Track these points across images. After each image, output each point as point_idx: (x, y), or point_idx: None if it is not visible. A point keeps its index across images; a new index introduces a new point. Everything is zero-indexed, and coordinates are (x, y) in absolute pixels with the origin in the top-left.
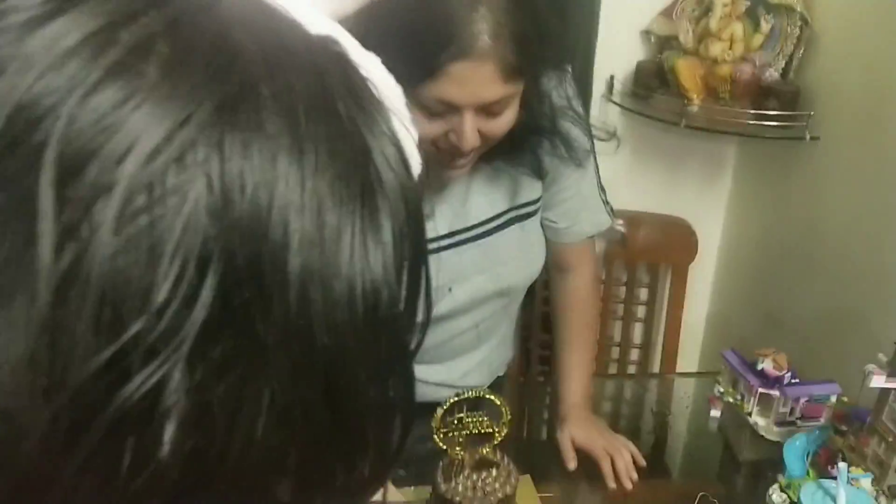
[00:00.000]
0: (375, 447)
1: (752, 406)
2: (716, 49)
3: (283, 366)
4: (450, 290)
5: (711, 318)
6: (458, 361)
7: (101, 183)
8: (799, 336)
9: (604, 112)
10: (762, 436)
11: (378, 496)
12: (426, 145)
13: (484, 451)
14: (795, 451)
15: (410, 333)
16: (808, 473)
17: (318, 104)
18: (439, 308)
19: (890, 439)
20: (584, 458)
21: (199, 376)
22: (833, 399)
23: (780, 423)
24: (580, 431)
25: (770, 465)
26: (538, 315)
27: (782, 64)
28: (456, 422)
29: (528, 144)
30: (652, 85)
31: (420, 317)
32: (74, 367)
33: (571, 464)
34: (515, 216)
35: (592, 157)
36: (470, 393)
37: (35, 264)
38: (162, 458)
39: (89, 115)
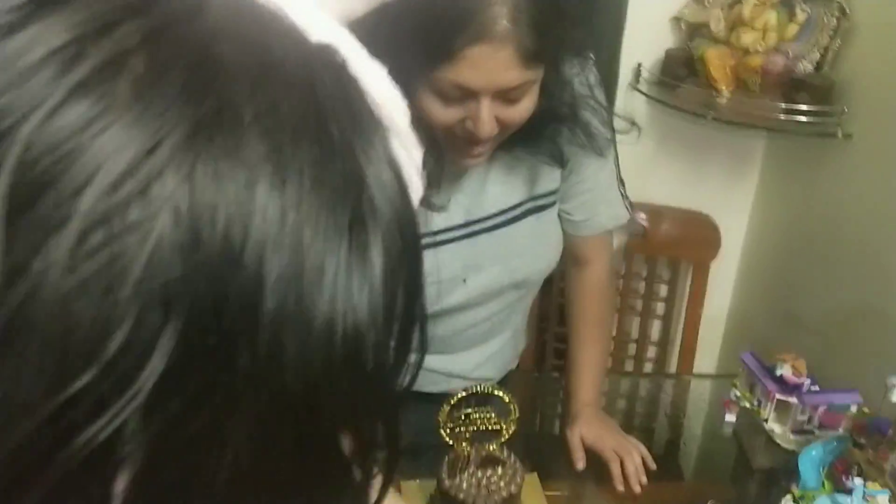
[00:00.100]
0: (353, 490)
1: (768, 412)
2: (748, 38)
3: (250, 415)
4: (464, 280)
5: (732, 316)
6: (471, 353)
7: (55, 216)
8: (821, 337)
9: (629, 101)
10: (777, 443)
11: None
12: (443, 132)
13: (490, 448)
14: (811, 462)
15: (399, 376)
16: (823, 486)
17: (308, 125)
18: (453, 299)
19: None
20: (594, 457)
21: (157, 427)
22: (853, 408)
23: (796, 432)
24: (590, 430)
25: (784, 473)
26: (555, 307)
27: (817, 56)
28: (463, 417)
29: (547, 132)
30: (680, 74)
31: (413, 356)
32: (17, 418)
33: (580, 463)
34: (532, 207)
35: (613, 148)
36: (478, 388)
37: None
38: None
39: (48, 140)
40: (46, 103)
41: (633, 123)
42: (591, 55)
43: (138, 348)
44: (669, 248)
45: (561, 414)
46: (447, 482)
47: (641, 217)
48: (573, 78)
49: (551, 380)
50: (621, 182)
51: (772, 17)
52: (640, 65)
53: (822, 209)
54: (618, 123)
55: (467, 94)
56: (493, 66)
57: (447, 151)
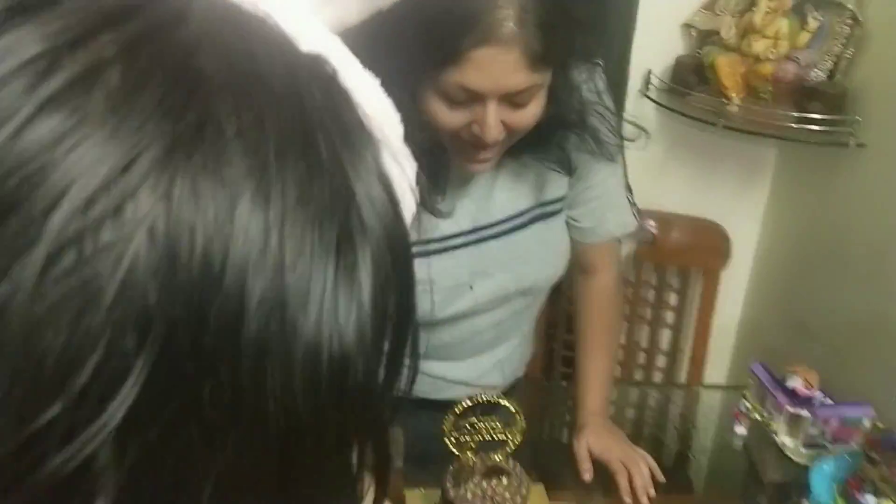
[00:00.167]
0: None
1: (779, 425)
2: (759, 46)
3: (231, 443)
4: (471, 287)
5: (743, 326)
6: (477, 360)
7: (23, 237)
8: (833, 349)
9: (639, 108)
10: (789, 457)
11: None
12: (449, 138)
13: (496, 458)
14: (823, 476)
15: (389, 401)
16: (835, 502)
17: (294, 140)
18: (459, 305)
19: None
20: (602, 468)
21: (131, 456)
22: (866, 423)
23: (808, 445)
24: (597, 441)
25: (795, 488)
26: (564, 314)
27: (829, 64)
28: (468, 426)
29: (555, 139)
30: (690, 81)
31: (405, 379)
32: None
33: (587, 475)
34: (540, 214)
35: (621, 155)
36: (484, 397)
37: None
38: None
39: (18, 156)
40: (16, 117)
41: (643, 129)
42: (600, 61)
43: (110, 376)
44: (679, 257)
45: (569, 423)
46: (451, 492)
47: (651, 225)
48: (581, 84)
49: (559, 388)
50: (629, 189)
51: (783, 24)
52: (649, 71)
53: (834, 219)
54: (627, 130)
55: (473, 98)
56: (499, 68)
57: (454, 157)
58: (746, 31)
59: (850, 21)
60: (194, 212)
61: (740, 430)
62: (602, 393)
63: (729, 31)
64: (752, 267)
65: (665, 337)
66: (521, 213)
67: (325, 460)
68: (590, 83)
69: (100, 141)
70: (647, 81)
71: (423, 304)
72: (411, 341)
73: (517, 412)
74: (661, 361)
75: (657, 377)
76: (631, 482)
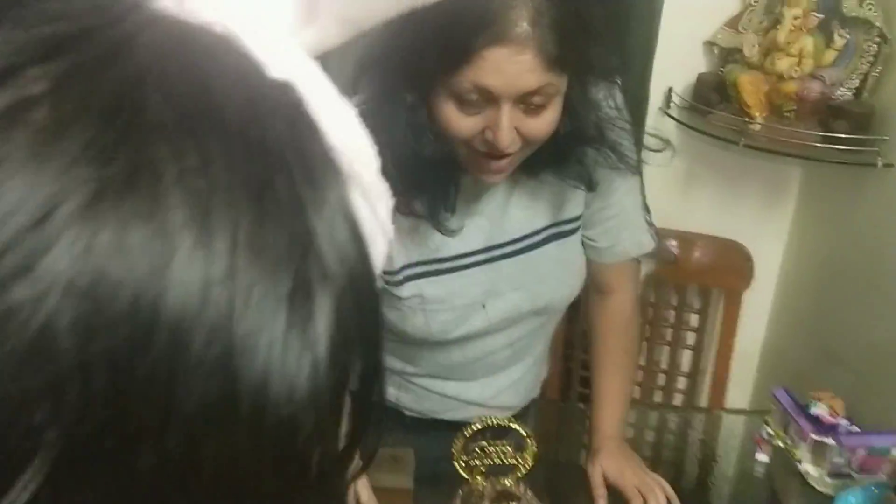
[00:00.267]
0: None
1: (803, 453)
2: (783, 64)
3: None
4: (483, 306)
5: (766, 349)
6: (491, 380)
7: None
8: (859, 374)
9: (660, 126)
10: (812, 486)
11: None
12: (463, 148)
13: (506, 483)
14: None
15: (350, 462)
16: None
17: (248, 181)
18: (472, 325)
19: None
20: (617, 494)
21: None
22: (894, 452)
23: (833, 475)
24: (612, 466)
25: None
26: (581, 333)
27: (856, 83)
28: (478, 449)
29: (573, 154)
30: (712, 99)
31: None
32: None
33: (601, 501)
34: (555, 233)
35: (639, 174)
36: (495, 421)
37: None
38: None
39: None
40: None
41: (666, 142)
42: (618, 79)
43: (13, 455)
44: (700, 277)
45: (585, 446)
46: None
47: (672, 244)
48: (600, 101)
49: (576, 409)
50: (647, 209)
51: (808, 42)
52: (670, 89)
53: (860, 240)
54: (651, 141)
55: (487, 100)
56: (513, 68)
57: (467, 168)
58: (770, 49)
59: (877, 39)
60: (121, 267)
61: (762, 457)
62: (618, 416)
63: (752, 49)
64: (775, 288)
65: (686, 359)
66: (536, 232)
67: None
68: (609, 100)
69: (17, 188)
70: (669, 99)
71: (436, 323)
72: (378, 396)
73: (528, 436)
74: (681, 383)
75: (677, 399)
76: None
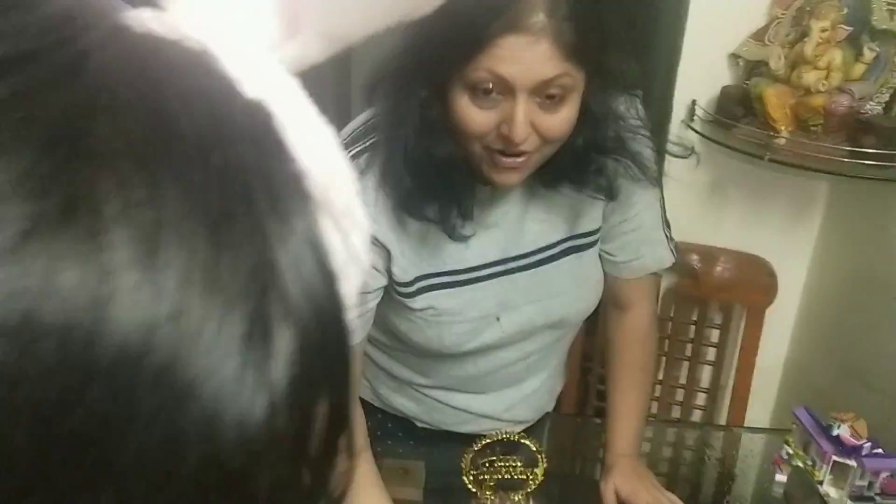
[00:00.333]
0: None
1: (823, 474)
2: (810, 78)
3: None
4: (498, 319)
5: (788, 366)
6: (504, 393)
7: None
8: (883, 395)
9: (683, 140)
10: None
11: None
12: (479, 147)
13: (515, 499)
14: None
15: None
16: None
17: (204, 214)
18: (486, 337)
19: None
20: None
21: None
22: None
23: (855, 498)
24: (626, 484)
25: None
26: (600, 346)
27: (885, 97)
28: (487, 464)
29: (592, 165)
30: (736, 113)
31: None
32: None
33: None
34: (572, 246)
35: (659, 189)
36: (504, 435)
37: None
38: None
39: None
40: None
41: (690, 149)
42: (639, 92)
43: None
44: (722, 292)
45: (599, 462)
46: None
47: (693, 259)
48: (620, 113)
49: (592, 424)
50: (667, 224)
51: (837, 56)
52: (694, 102)
53: (888, 257)
54: (673, 148)
55: (502, 91)
56: (528, 57)
57: (483, 171)
58: (797, 62)
59: None
60: (52, 310)
61: (780, 477)
62: (633, 433)
63: (778, 62)
64: (799, 305)
65: (705, 375)
66: (553, 245)
67: None
68: (631, 111)
69: None
70: (692, 112)
71: (450, 336)
72: (346, 439)
73: (539, 452)
74: (700, 399)
75: (696, 416)
76: None
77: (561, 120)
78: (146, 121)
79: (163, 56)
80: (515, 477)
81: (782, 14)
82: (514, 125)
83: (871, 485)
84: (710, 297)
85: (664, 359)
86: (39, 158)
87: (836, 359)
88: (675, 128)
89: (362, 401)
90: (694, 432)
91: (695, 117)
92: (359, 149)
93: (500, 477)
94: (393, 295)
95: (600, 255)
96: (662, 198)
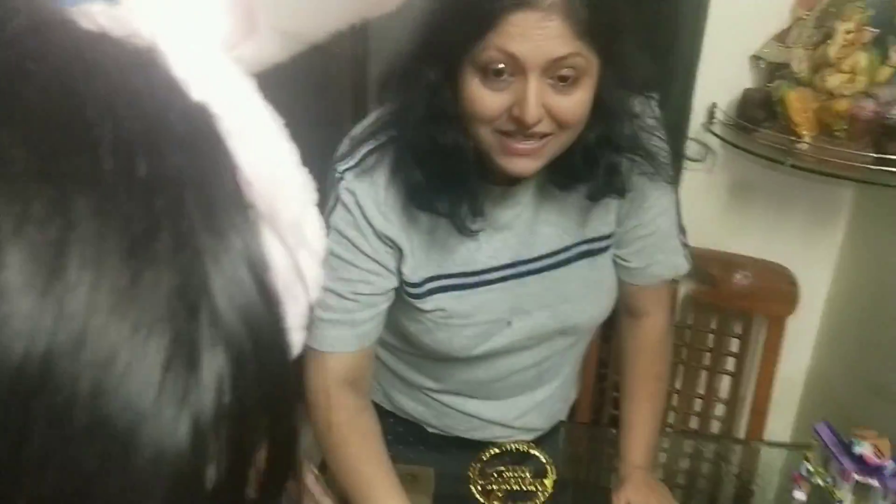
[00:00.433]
0: None
1: (844, 493)
2: (834, 81)
3: None
4: (509, 323)
5: (810, 379)
6: (516, 400)
7: None
8: None
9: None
10: None
11: None
12: (490, 134)
13: None
14: None
15: None
16: None
17: (123, 228)
18: (496, 342)
19: None
20: None
21: None
22: None
23: None
24: (638, 498)
25: None
26: (616, 353)
27: None
28: (496, 475)
29: (605, 162)
30: (757, 116)
31: None
32: None
33: None
34: (585, 251)
35: (675, 194)
36: (514, 446)
37: None
38: None
39: None
40: None
41: (707, 148)
42: (654, 94)
43: None
44: (742, 301)
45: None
46: None
47: (713, 266)
48: (635, 113)
49: (606, 434)
50: (682, 230)
51: (862, 58)
52: (714, 105)
53: None
54: (691, 150)
55: (514, 71)
56: (539, 34)
57: (495, 159)
58: (820, 65)
59: None
60: None
61: (799, 495)
62: (646, 445)
63: (801, 65)
64: (821, 315)
65: (724, 385)
66: (566, 249)
67: None
68: (647, 111)
69: None
70: (712, 115)
71: (459, 339)
72: (290, 468)
73: (548, 463)
74: (718, 410)
75: (714, 426)
76: None
77: (574, 103)
78: (56, 128)
79: (91, 55)
80: (525, 488)
81: (806, 15)
82: (525, 105)
83: None
84: (730, 305)
85: (682, 368)
86: None
87: (860, 372)
88: (695, 131)
89: (374, 404)
90: (711, 445)
91: (714, 120)
92: (370, 147)
93: (508, 488)
94: (403, 296)
95: (614, 261)
96: (678, 203)
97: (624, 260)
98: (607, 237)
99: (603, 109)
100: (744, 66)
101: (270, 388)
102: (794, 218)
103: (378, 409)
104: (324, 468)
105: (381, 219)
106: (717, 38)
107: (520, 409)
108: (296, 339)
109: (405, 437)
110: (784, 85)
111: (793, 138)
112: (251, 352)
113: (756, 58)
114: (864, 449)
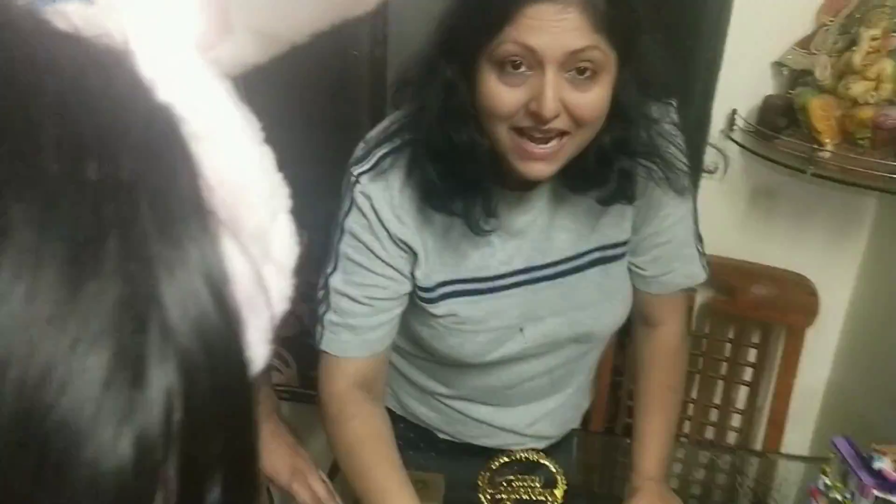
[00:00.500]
0: None
1: None
2: (858, 89)
3: None
4: (521, 330)
5: (829, 390)
6: (528, 408)
7: None
8: None
9: (720, 148)
10: None
11: None
12: (504, 132)
13: None
14: None
15: None
16: None
17: (67, 237)
18: (509, 348)
19: None
20: None
21: None
22: None
23: None
24: None
25: None
26: (632, 361)
27: None
28: (505, 483)
29: (617, 165)
30: (779, 124)
31: None
32: None
33: None
34: (600, 258)
35: (692, 202)
36: (523, 455)
37: None
38: None
39: None
40: None
41: (724, 155)
42: (673, 101)
43: None
44: (761, 310)
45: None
46: None
47: (731, 274)
48: (652, 118)
49: (620, 443)
50: (699, 239)
51: (887, 66)
52: (735, 111)
53: None
54: (707, 161)
55: (531, 65)
56: (556, 26)
57: (511, 161)
58: (844, 72)
59: None
60: None
61: None
62: (659, 456)
63: (824, 72)
64: (842, 326)
65: (741, 395)
66: (580, 256)
67: None
68: (667, 117)
69: None
70: (732, 122)
71: (471, 345)
72: (250, 492)
73: (558, 472)
74: (735, 421)
75: (730, 437)
76: None
77: (592, 99)
78: (19, 137)
79: (45, 54)
80: (534, 497)
81: (830, 21)
82: (543, 99)
83: None
84: (749, 314)
85: (698, 377)
86: None
87: (880, 385)
88: (715, 138)
89: (386, 409)
90: (727, 456)
91: (735, 127)
92: (385, 151)
93: (518, 497)
94: (416, 301)
95: (629, 269)
96: (696, 211)
97: (639, 268)
98: (622, 244)
99: (620, 112)
100: (765, 72)
101: (226, 404)
102: (815, 227)
103: (389, 413)
104: (332, 474)
105: (396, 222)
106: (738, 44)
107: (532, 416)
108: (259, 354)
109: (416, 443)
110: (806, 92)
111: (814, 146)
112: (205, 367)
113: (778, 64)
114: (883, 464)
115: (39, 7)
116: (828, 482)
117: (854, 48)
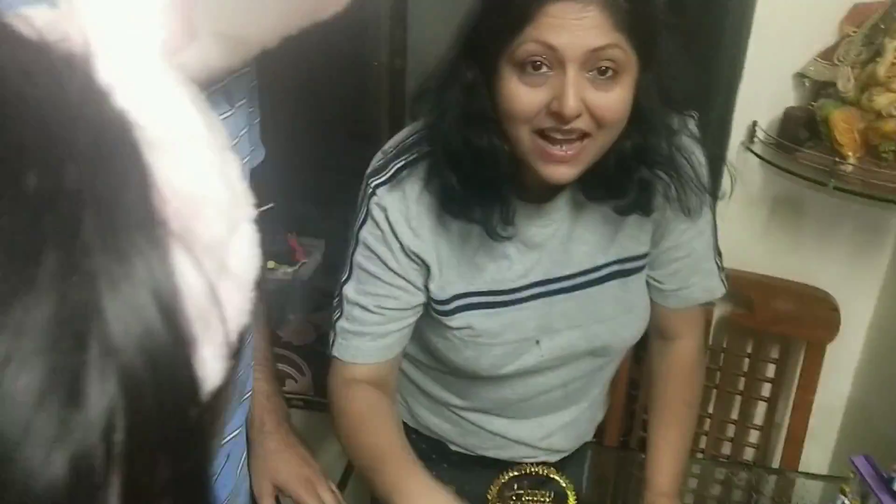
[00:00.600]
0: None
1: None
2: (882, 101)
3: None
4: (537, 342)
5: (850, 408)
6: (542, 420)
7: None
8: None
9: (742, 163)
10: None
11: None
12: (525, 134)
13: None
14: None
15: None
16: None
17: (4, 248)
18: (524, 361)
19: None
20: None
21: None
22: None
23: None
24: None
25: None
26: (648, 375)
27: None
28: (514, 497)
29: (636, 174)
30: (800, 136)
31: None
32: None
33: None
34: (618, 270)
35: (712, 216)
36: (533, 469)
37: None
38: None
39: None
40: None
41: (733, 177)
42: (693, 113)
43: None
44: (780, 325)
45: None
46: None
47: (750, 289)
48: (673, 130)
49: (634, 457)
50: (718, 253)
51: None
52: (755, 123)
53: None
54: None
55: (552, 63)
56: (578, 24)
57: (532, 163)
58: (868, 84)
59: None
60: None
61: None
62: (673, 472)
63: (847, 84)
64: (864, 343)
65: (759, 411)
66: (598, 268)
67: None
68: (686, 130)
69: None
70: (752, 134)
71: (487, 357)
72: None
73: (568, 488)
74: (752, 437)
75: (748, 454)
76: None
77: (614, 99)
78: None
79: (16, 61)
80: None
81: (854, 32)
82: (564, 98)
83: None
84: (767, 329)
85: (715, 392)
86: None
87: None
88: (734, 151)
89: None
90: (743, 473)
91: (755, 139)
92: (402, 162)
93: None
94: (431, 312)
95: (647, 282)
96: (715, 224)
97: (657, 281)
98: (641, 257)
99: (641, 117)
100: (787, 83)
101: (174, 424)
102: (837, 241)
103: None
104: (343, 484)
105: (411, 234)
106: (759, 55)
107: (546, 429)
108: (213, 370)
109: (428, 455)
110: (829, 104)
111: (837, 159)
112: (150, 384)
113: (800, 76)
114: None
115: (1, 11)
116: (847, 502)
117: (878, 59)
